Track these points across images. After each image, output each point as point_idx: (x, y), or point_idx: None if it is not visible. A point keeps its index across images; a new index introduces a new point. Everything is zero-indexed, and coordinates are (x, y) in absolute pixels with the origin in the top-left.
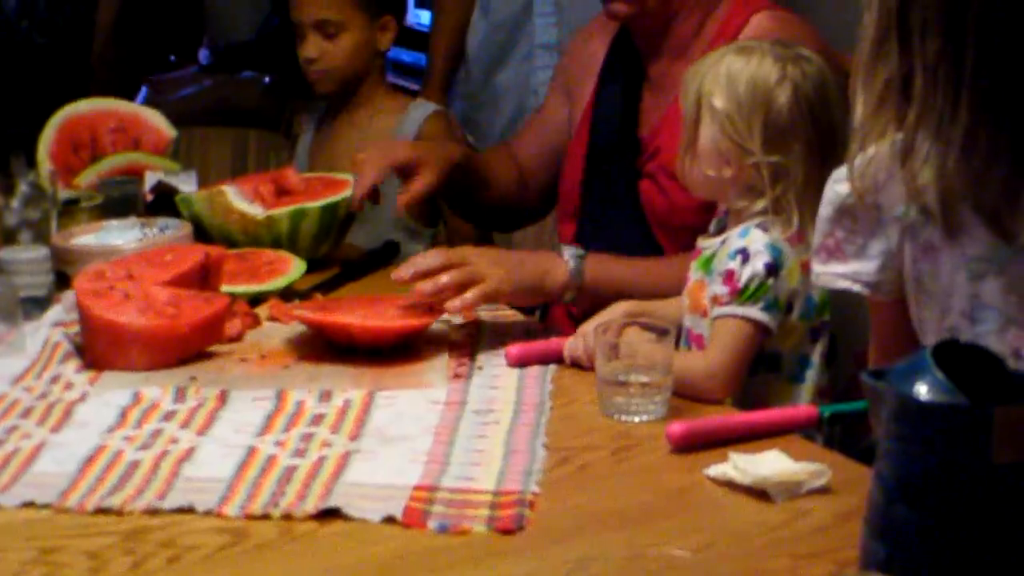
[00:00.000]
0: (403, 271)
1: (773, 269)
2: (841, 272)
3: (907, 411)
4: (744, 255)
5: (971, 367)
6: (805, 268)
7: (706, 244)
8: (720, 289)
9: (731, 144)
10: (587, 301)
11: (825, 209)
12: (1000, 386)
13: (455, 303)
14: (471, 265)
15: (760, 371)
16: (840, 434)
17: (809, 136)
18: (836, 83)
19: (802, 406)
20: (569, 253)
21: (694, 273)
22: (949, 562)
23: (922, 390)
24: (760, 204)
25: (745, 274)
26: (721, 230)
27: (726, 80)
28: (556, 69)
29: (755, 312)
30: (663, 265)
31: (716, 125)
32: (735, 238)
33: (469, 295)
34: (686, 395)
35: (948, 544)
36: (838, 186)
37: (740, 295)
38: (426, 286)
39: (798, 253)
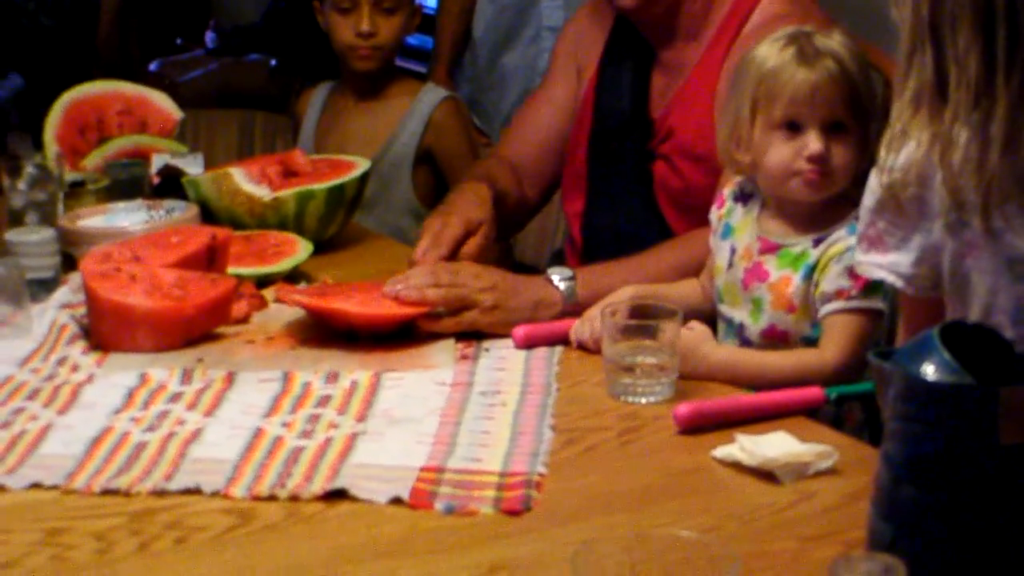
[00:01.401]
0: (388, 288)
1: None
2: (880, 262)
3: (914, 391)
4: None
5: (978, 348)
6: None
7: (791, 241)
8: (846, 283)
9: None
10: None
11: (868, 198)
12: (1007, 367)
13: (431, 325)
14: (464, 288)
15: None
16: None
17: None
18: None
19: (808, 387)
20: (559, 277)
21: (777, 270)
22: (956, 543)
23: (929, 370)
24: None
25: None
26: (783, 225)
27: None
28: (559, 46)
29: (879, 303)
30: (652, 260)
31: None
32: (846, 234)
33: (448, 323)
34: (801, 378)
35: (955, 525)
36: (877, 180)
37: (865, 290)
38: (411, 293)
39: None
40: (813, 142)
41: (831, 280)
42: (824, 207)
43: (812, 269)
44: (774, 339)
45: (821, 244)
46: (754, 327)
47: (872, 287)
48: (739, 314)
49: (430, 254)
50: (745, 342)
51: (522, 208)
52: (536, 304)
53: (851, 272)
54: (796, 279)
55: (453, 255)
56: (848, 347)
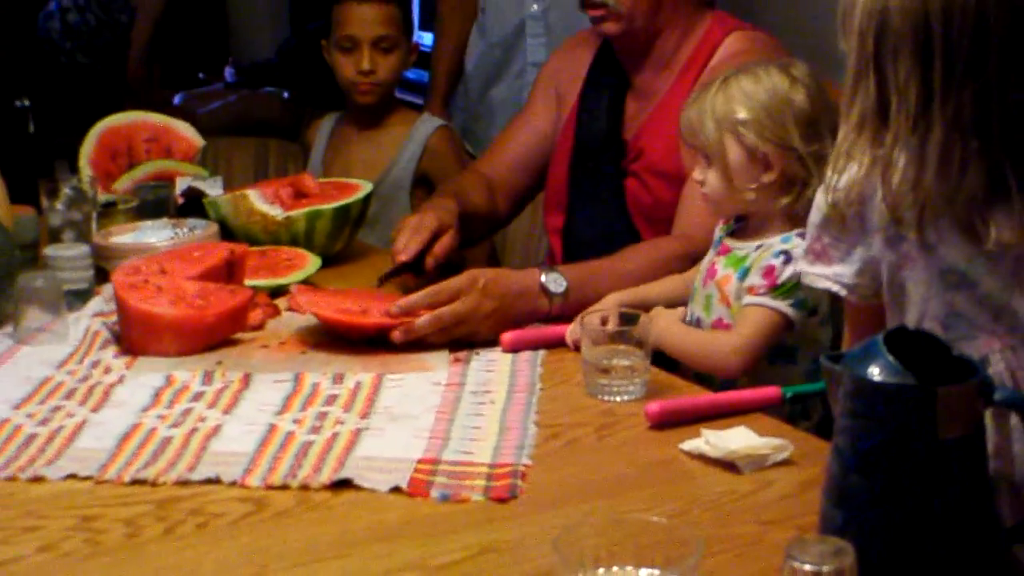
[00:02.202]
0: (395, 310)
1: None
2: (825, 273)
3: (861, 391)
4: (787, 257)
5: (919, 352)
6: None
7: (737, 245)
8: (758, 281)
9: (772, 146)
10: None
11: (815, 215)
12: (945, 368)
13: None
14: (472, 308)
15: (778, 362)
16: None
17: (832, 123)
18: (821, 82)
19: (767, 387)
20: (546, 274)
21: (723, 268)
22: (900, 527)
23: (874, 372)
24: (807, 194)
25: (785, 273)
26: (738, 232)
27: (743, 97)
28: (542, 75)
29: (784, 306)
30: (636, 262)
31: (751, 135)
32: (778, 242)
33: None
34: (706, 369)
35: (898, 511)
36: (823, 197)
37: (775, 289)
38: (411, 337)
39: None
40: None
41: (751, 278)
42: (773, 219)
43: (747, 271)
44: (717, 328)
45: (759, 249)
46: (707, 320)
47: (781, 291)
48: (697, 309)
49: (411, 247)
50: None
51: (492, 218)
52: (530, 313)
53: (766, 272)
54: (734, 277)
55: (428, 246)
56: (747, 334)
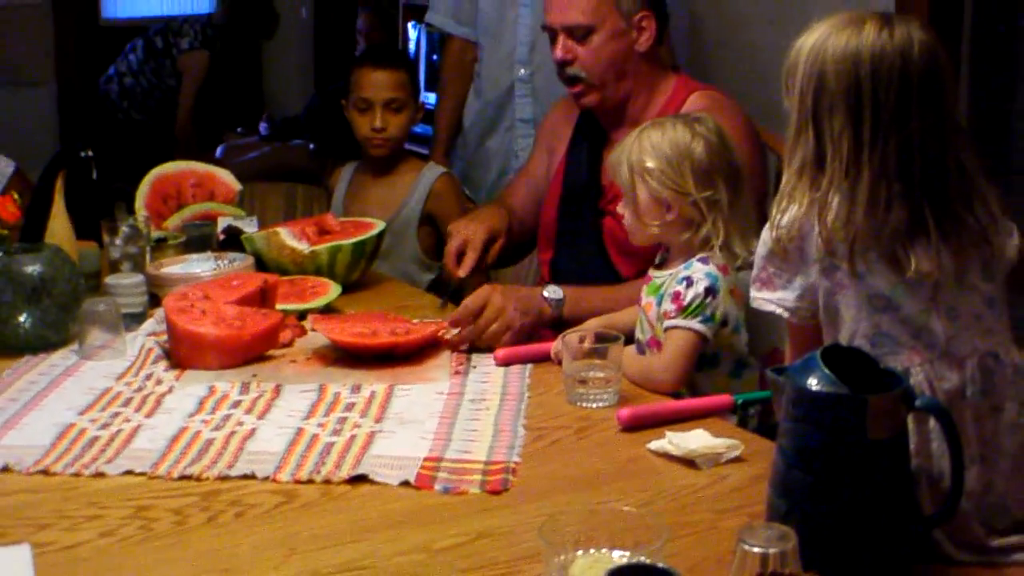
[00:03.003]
0: (452, 321)
1: (710, 291)
2: (770, 298)
3: (801, 399)
4: (688, 281)
5: (851, 365)
6: (734, 294)
7: (656, 275)
8: (669, 307)
9: (671, 192)
10: (569, 326)
11: (761, 249)
12: (873, 380)
13: (487, 338)
14: (503, 314)
15: (705, 367)
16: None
17: (725, 173)
18: (726, 134)
19: (721, 395)
20: (550, 293)
21: (646, 296)
22: (835, 516)
23: (813, 383)
24: (702, 232)
25: (688, 295)
26: (663, 263)
27: (651, 147)
28: (539, 133)
29: (695, 324)
30: (622, 292)
31: (654, 182)
32: (682, 269)
33: (498, 327)
34: (649, 389)
35: (834, 502)
36: (768, 234)
37: (684, 311)
38: (461, 316)
39: (728, 282)
40: None
41: (664, 305)
42: (681, 251)
43: (662, 297)
44: (655, 348)
45: (670, 277)
46: (643, 340)
47: (689, 311)
48: (637, 331)
49: (467, 265)
50: (641, 351)
51: (514, 242)
52: (538, 314)
53: (674, 298)
54: (654, 304)
55: (482, 258)
56: (669, 355)
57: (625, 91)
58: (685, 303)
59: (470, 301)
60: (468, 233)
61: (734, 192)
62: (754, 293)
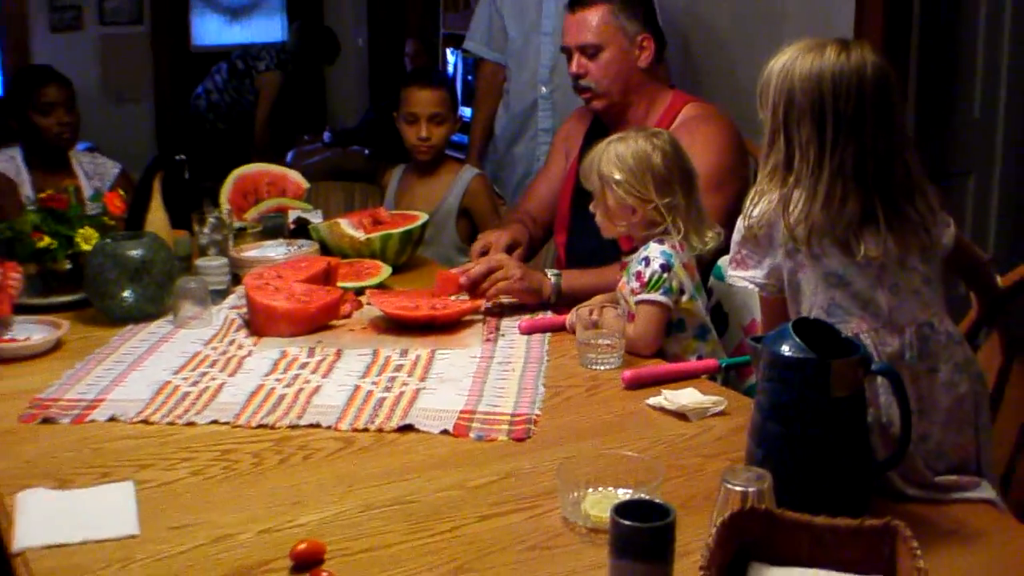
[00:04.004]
0: (463, 279)
1: (666, 267)
2: (743, 276)
3: (775, 363)
4: (646, 261)
5: (817, 334)
6: (687, 267)
7: (628, 259)
8: (634, 284)
9: (635, 199)
10: (565, 302)
11: (736, 235)
12: (835, 347)
13: (491, 291)
14: (507, 267)
15: (673, 332)
16: (736, 378)
17: (681, 179)
18: (679, 145)
19: (708, 360)
20: (551, 274)
21: (622, 279)
22: (803, 461)
23: (785, 349)
24: (662, 228)
25: (647, 273)
26: (632, 250)
27: (617, 159)
28: (556, 140)
29: (656, 296)
30: (608, 272)
31: (621, 191)
32: (641, 251)
33: (502, 285)
34: (631, 352)
35: (802, 449)
36: (743, 223)
37: (646, 286)
38: (476, 269)
39: (681, 257)
40: None
41: (631, 283)
42: (646, 241)
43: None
44: (631, 320)
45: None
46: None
47: (650, 286)
48: (623, 305)
49: (495, 252)
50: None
51: (535, 242)
52: (540, 284)
53: (637, 277)
54: (626, 284)
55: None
56: (640, 325)
57: (627, 100)
58: (646, 279)
59: (488, 259)
60: (493, 238)
61: (689, 195)
62: (730, 271)
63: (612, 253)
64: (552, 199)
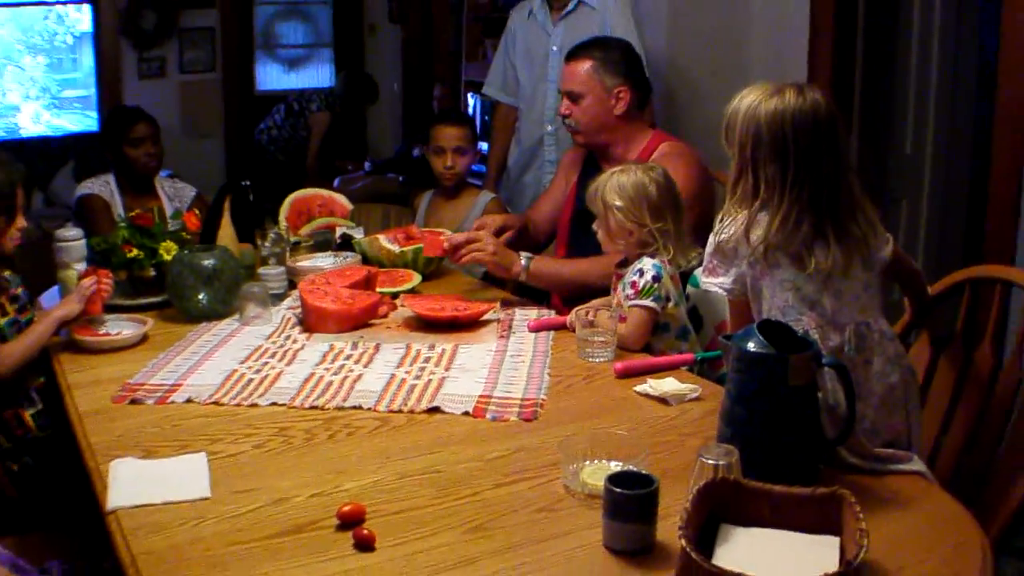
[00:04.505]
0: (447, 243)
1: (657, 278)
2: (714, 282)
3: (743, 357)
4: (640, 272)
5: (778, 333)
6: (675, 280)
7: (623, 271)
8: (629, 291)
9: (632, 223)
10: (533, 281)
11: (709, 249)
12: (793, 344)
13: (466, 258)
14: (484, 241)
15: (658, 332)
16: (709, 369)
17: (671, 208)
18: (671, 178)
19: (686, 354)
20: (524, 256)
21: (618, 288)
22: (765, 439)
23: (751, 346)
24: (650, 250)
25: (641, 282)
26: (625, 265)
27: (618, 188)
28: (559, 167)
29: (647, 302)
30: (570, 265)
31: (620, 216)
32: (636, 264)
33: (476, 255)
34: (620, 347)
35: (765, 429)
36: (714, 239)
37: (639, 294)
38: (457, 237)
39: (669, 271)
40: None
41: (626, 291)
42: (640, 255)
43: (625, 285)
44: (623, 322)
45: (629, 272)
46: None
47: (642, 293)
48: (618, 310)
49: (483, 231)
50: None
51: (532, 239)
52: (512, 262)
53: (631, 285)
54: (620, 290)
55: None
56: (631, 326)
57: (605, 140)
58: (640, 288)
59: (472, 232)
60: (488, 220)
61: (677, 221)
62: (704, 279)
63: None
64: (552, 212)
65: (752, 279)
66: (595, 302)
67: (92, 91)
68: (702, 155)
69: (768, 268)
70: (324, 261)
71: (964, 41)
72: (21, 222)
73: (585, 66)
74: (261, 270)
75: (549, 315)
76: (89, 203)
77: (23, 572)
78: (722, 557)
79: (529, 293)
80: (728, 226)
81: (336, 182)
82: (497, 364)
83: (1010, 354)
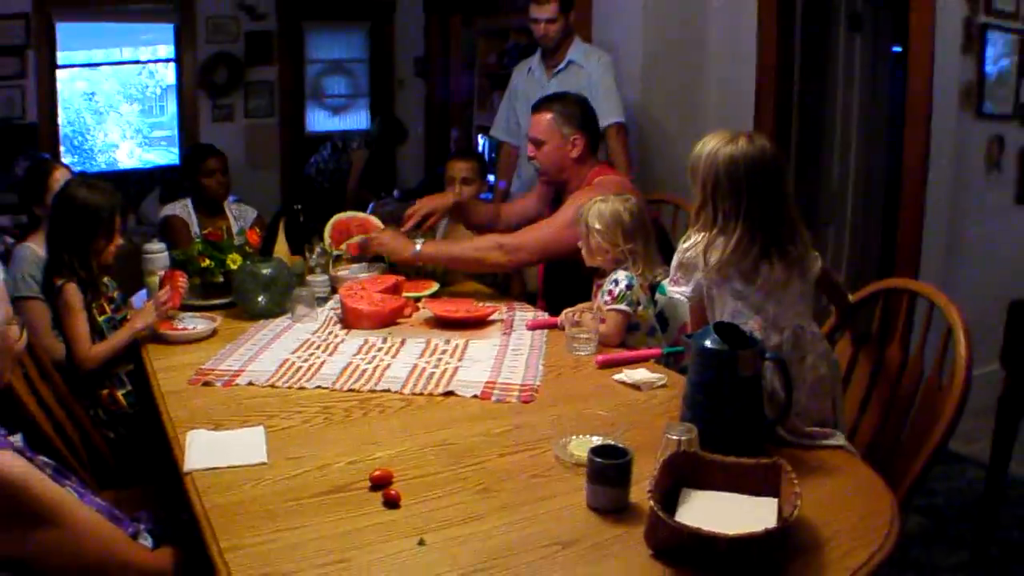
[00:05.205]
0: (357, 244)
1: (629, 287)
2: (677, 290)
3: (701, 352)
4: (616, 282)
5: (730, 333)
6: (644, 288)
7: (601, 282)
8: (606, 298)
9: (608, 244)
10: (428, 261)
11: (674, 263)
12: (742, 341)
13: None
14: (381, 234)
15: (631, 331)
16: (674, 362)
17: (641, 232)
18: (643, 207)
19: (654, 349)
20: (418, 241)
21: (599, 294)
22: (718, 420)
23: (708, 343)
24: (625, 264)
25: (616, 290)
26: (602, 276)
27: (598, 215)
28: (536, 188)
29: (621, 307)
30: (458, 245)
31: (598, 237)
32: (612, 276)
33: (378, 248)
34: (601, 343)
35: (718, 412)
36: (679, 256)
37: (615, 300)
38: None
39: (640, 281)
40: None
41: (603, 298)
42: (615, 268)
43: (604, 293)
44: (602, 323)
45: (606, 283)
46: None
47: (617, 300)
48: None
49: (409, 223)
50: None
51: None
52: (403, 247)
53: (608, 293)
54: (599, 297)
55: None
56: (609, 326)
57: (561, 177)
58: (615, 295)
59: (374, 233)
60: (419, 204)
61: (646, 243)
62: (669, 287)
63: (576, 274)
64: (520, 213)
65: (708, 288)
66: (581, 306)
67: (175, 132)
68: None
69: (723, 281)
70: (360, 271)
71: (878, 96)
72: (118, 240)
73: (547, 117)
74: (309, 277)
75: (544, 316)
76: (171, 222)
77: (118, 520)
78: (683, 515)
79: (528, 300)
80: (690, 247)
81: (370, 207)
82: (501, 356)
83: (914, 351)
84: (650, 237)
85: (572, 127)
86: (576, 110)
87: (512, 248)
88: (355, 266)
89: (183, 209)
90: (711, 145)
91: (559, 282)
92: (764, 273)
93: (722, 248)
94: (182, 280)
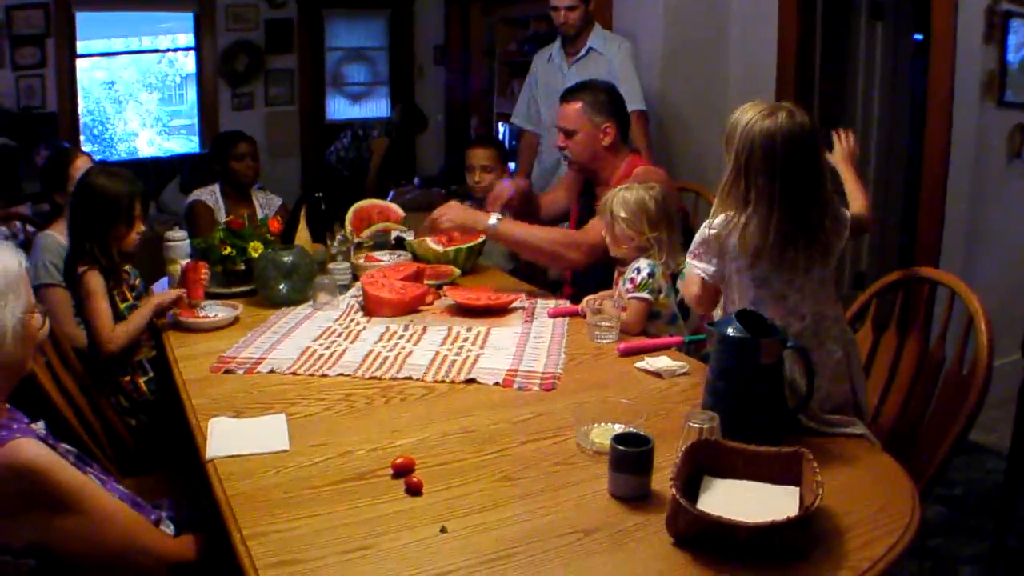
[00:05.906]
0: (427, 225)
1: (651, 275)
2: (698, 266)
3: (724, 340)
4: (638, 270)
5: (752, 321)
6: (666, 276)
7: (624, 269)
8: (629, 286)
9: (633, 232)
10: (500, 239)
11: (698, 237)
12: (765, 330)
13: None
14: (449, 206)
15: (652, 319)
16: (695, 350)
17: (666, 221)
18: (668, 195)
19: (675, 337)
20: (495, 216)
21: (620, 282)
22: (740, 407)
23: (730, 331)
24: (646, 254)
25: (639, 278)
26: (624, 264)
27: (623, 202)
28: (564, 179)
29: (644, 295)
30: (537, 230)
31: (623, 225)
32: (635, 263)
33: (446, 223)
34: (623, 331)
35: (740, 399)
36: (706, 230)
37: (637, 287)
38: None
39: (662, 269)
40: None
41: (626, 286)
42: (639, 256)
43: (625, 281)
44: (624, 311)
45: (629, 271)
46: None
47: (640, 287)
48: (620, 301)
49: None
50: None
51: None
52: (476, 221)
53: (631, 281)
54: (621, 284)
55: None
56: (631, 314)
57: (593, 167)
58: (637, 283)
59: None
60: (498, 187)
61: (670, 232)
62: (689, 260)
63: (605, 264)
64: (552, 205)
65: (730, 273)
66: (602, 294)
67: (195, 120)
68: (689, 166)
69: (748, 266)
70: (382, 259)
71: (899, 85)
72: (140, 227)
73: (576, 107)
74: (331, 265)
75: (565, 304)
76: (196, 208)
77: (140, 507)
78: (705, 503)
79: (551, 288)
80: (720, 223)
81: (390, 195)
82: (522, 344)
83: (935, 341)
84: (674, 225)
85: (603, 115)
86: (605, 98)
87: (588, 250)
88: (378, 253)
89: (210, 195)
90: (749, 115)
91: (592, 271)
92: (790, 259)
93: (752, 231)
94: (204, 272)
